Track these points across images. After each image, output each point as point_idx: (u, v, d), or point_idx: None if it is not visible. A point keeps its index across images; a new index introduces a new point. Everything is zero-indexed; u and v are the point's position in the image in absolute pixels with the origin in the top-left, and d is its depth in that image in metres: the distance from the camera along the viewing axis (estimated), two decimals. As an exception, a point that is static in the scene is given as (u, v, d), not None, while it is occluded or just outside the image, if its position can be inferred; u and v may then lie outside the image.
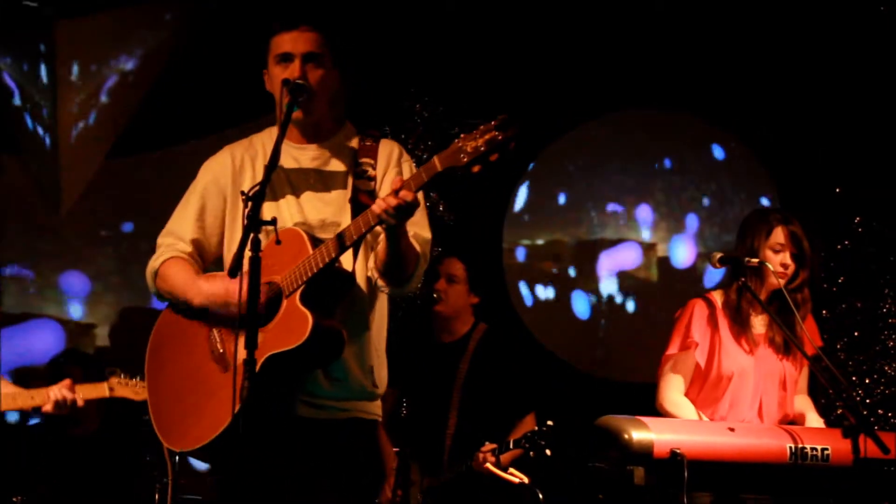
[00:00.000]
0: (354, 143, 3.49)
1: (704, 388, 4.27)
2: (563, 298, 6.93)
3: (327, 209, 3.40)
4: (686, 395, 4.24)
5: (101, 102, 6.62)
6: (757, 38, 6.31)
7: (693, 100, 6.56)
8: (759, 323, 4.30)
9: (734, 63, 6.36)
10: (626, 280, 6.90)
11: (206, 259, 3.53)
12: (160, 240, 3.56)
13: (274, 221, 3.08)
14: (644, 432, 3.65)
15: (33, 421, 5.28)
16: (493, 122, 2.97)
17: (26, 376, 6.18)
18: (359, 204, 3.31)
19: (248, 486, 3.24)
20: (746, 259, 4.19)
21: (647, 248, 6.91)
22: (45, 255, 6.56)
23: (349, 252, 3.25)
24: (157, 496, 4.99)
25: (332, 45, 3.45)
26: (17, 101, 6.53)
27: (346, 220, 3.32)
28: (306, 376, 3.27)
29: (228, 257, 3.42)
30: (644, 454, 3.63)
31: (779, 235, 4.23)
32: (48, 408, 4.43)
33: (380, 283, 3.32)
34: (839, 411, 4.93)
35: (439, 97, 6.61)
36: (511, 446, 4.85)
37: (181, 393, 3.40)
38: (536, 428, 4.81)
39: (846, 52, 6.13)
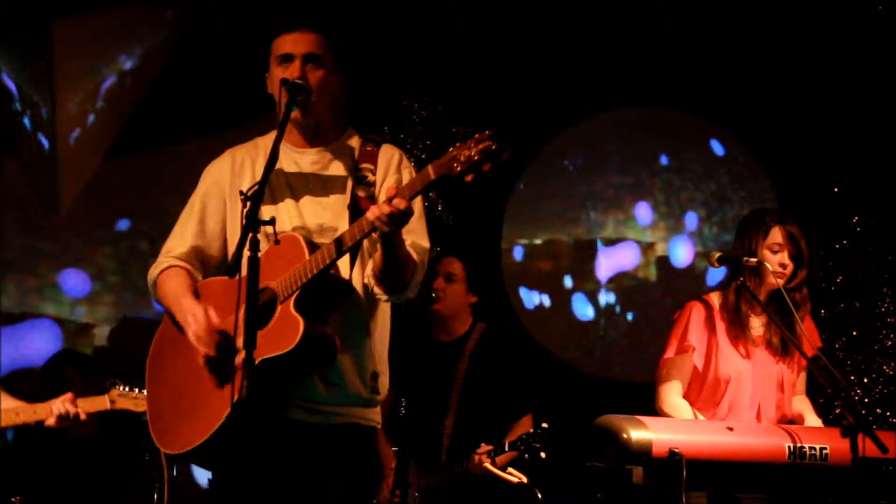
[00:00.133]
0: (355, 147, 3.48)
1: (703, 391, 4.27)
2: (561, 298, 6.94)
3: (325, 213, 3.40)
4: (685, 398, 4.25)
5: (100, 102, 6.63)
6: (756, 38, 6.31)
7: (692, 99, 6.56)
8: (756, 325, 4.30)
9: (734, 62, 6.36)
10: (625, 280, 6.90)
11: (208, 264, 3.55)
12: (163, 247, 3.58)
13: (273, 221, 3.08)
14: (643, 432, 3.65)
15: (10, 436, 5.31)
16: (487, 132, 2.98)
17: (22, 378, 6.19)
18: (357, 209, 3.31)
19: (241, 488, 3.23)
20: (745, 259, 4.19)
21: (646, 247, 6.92)
22: (43, 255, 6.56)
23: (347, 259, 3.25)
24: (155, 496, 4.99)
25: (334, 47, 3.45)
26: (15, 101, 6.53)
27: (344, 224, 3.32)
28: (298, 382, 3.27)
29: None
30: (643, 453, 3.63)
31: (776, 236, 4.23)
32: (51, 422, 4.49)
33: (376, 290, 3.32)
34: (838, 410, 4.93)
35: (438, 97, 6.61)
36: (507, 448, 4.85)
37: (176, 397, 3.42)
38: (532, 430, 4.81)
39: (845, 52, 6.13)
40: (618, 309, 6.90)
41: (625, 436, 3.64)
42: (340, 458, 3.33)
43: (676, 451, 3.62)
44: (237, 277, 3.01)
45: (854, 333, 6.16)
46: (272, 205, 3.40)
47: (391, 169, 3.43)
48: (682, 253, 6.88)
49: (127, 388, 4.62)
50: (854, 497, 3.74)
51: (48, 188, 6.61)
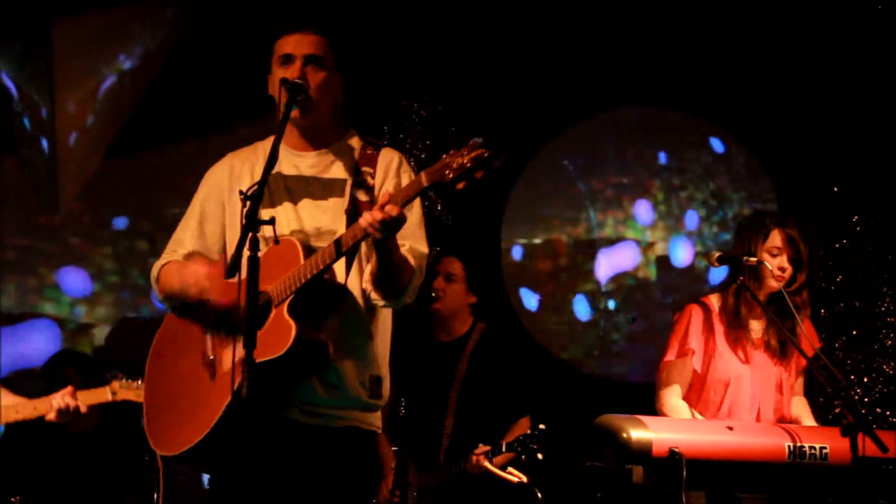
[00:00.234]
0: (356, 151, 3.48)
1: (703, 394, 4.27)
2: (561, 298, 6.93)
3: (324, 217, 3.39)
4: (685, 401, 4.25)
5: (100, 102, 6.62)
6: (756, 38, 6.31)
7: (692, 99, 6.56)
8: (756, 327, 4.30)
9: (734, 62, 6.36)
10: (625, 279, 6.90)
11: None
12: (163, 251, 3.58)
13: (272, 221, 3.08)
14: (643, 431, 3.65)
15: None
16: (480, 140, 2.98)
17: (22, 378, 6.18)
18: (355, 213, 3.30)
19: (240, 488, 3.23)
20: (745, 258, 4.19)
21: (646, 247, 6.92)
22: (43, 254, 6.56)
23: (343, 263, 3.25)
24: (155, 496, 4.99)
25: (336, 49, 3.45)
26: (15, 100, 6.53)
27: (342, 228, 3.31)
28: (292, 386, 3.26)
29: None
30: (643, 453, 3.63)
31: (775, 239, 4.22)
32: (51, 416, 4.46)
33: (373, 295, 3.31)
34: (837, 410, 4.93)
35: (438, 96, 6.61)
36: (503, 449, 4.85)
37: (172, 399, 3.43)
38: (530, 431, 4.81)
39: (845, 52, 6.13)
40: (617, 309, 6.90)
41: (625, 435, 3.65)
42: (340, 460, 3.33)
43: (676, 450, 3.62)
44: (236, 280, 3.01)
45: (854, 333, 6.16)
46: (270, 208, 3.39)
47: (390, 173, 3.42)
48: (681, 253, 6.88)
49: (128, 380, 4.58)
50: (854, 496, 3.74)
51: (48, 188, 6.60)
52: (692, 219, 6.88)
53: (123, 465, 5.50)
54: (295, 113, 3.35)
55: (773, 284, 4.17)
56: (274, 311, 3.20)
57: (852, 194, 6.21)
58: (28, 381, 5.92)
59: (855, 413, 3.70)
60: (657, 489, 3.63)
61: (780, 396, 4.28)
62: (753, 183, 6.76)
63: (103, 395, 4.57)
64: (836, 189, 6.25)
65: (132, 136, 6.55)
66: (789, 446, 3.78)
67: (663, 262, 6.90)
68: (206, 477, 5.50)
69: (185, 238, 3.52)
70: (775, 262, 4.20)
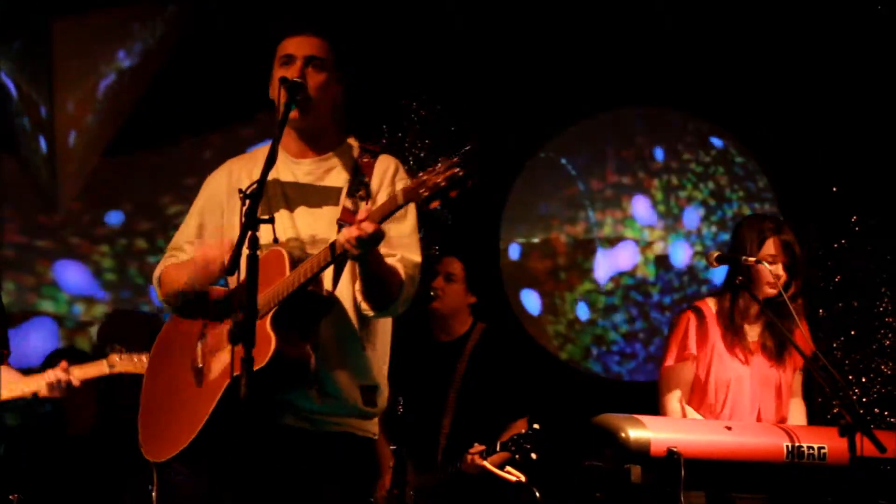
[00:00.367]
0: (353, 158, 3.47)
1: (705, 397, 4.27)
2: (560, 297, 6.94)
3: (318, 225, 3.39)
4: (688, 405, 4.25)
5: (99, 101, 6.62)
6: (756, 38, 6.31)
7: (691, 98, 6.56)
8: (751, 331, 4.30)
9: (733, 62, 6.37)
10: (624, 279, 6.90)
11: None
12: (163, 257, 3.59)
13: (272, 220, 3.08)
14: (641, 431, 3.66)
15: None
16: (455, 159, 2.98)
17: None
18: (346, 222, 3.29)
19: (234, 492, 3.22)
20: (743, 258, 4.19)
21: (645, 246, 6.92)
22: (42, 253, 6.55)
23: (331, 273, 3.24)
24: (154, 496, 4.98)
25: (337, 52, 3.45)
26: (14, 100, 6.53)
27: (334, 236, 3.31)
28: (274, 398, 3.25)
29: None
30: (641, 452, 3.63)
31: (770, 247, 4.22)
32: (43, 392, 4.39)
33: (363, 306, 3.31)
34: (836, 410, 4.94)
35: (437, 96, 6.61)
36: (498, 449, 4.85)
37: (162, 405, 3.44)
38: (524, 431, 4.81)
39: (844, 52, 6.13)
40: (616, 308, 6.90)
41: (623, 435, 3.65)
42: (335, 464, 3.33)
43: (675, 450, 3.62)
44: (234, 286, 3.01)
45: (852, 333, 6.17)
46: (268, 214, 3.39)
47: (385, 181, 3.42)
48: (680, 252, 6.89)
49: (128, 352, 4.43)
50: (852, 496, 3.74)
51: (47, 186, 6.60)
52: (691, 218, 6.88)
53: (123, 465, 5.50)
54: (294, 114, 3.34)
55: (769, 291, 4.18)
56: (258, 323, 3.20)
57: (851, 194, 6.22)
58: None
59: (853, 413, 3.70)
60: (656, 489, 3.63)
61: (780, 398, 4.29)
62: (752, 183, 6.76)
63: (100, 368, 4.45)
64: (835, 189, 6.25)
65: (131, 135, 6.54)
66: (788, 446, 3.78)
67: (662, 261, 6.90)
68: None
69: (183, 244, 3.54)
70: (770, 269, 4.20)
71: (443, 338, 5.30)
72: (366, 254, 3.12)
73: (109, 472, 5.60)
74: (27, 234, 6.54)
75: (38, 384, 4.40)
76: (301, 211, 3.42)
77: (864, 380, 6.10)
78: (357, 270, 3.30)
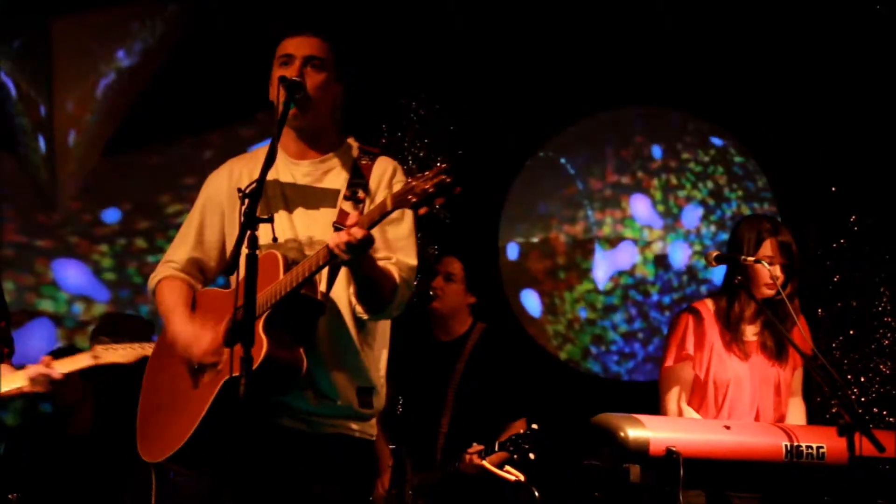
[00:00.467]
0: (352, 160, 3.47)
1: (704, 397, 4.27)
2: (559, 297, 6.94)
3: (315, 226, 3.39)
4: (688, 405, 4.26)
5: (98, 100, 6.63)
6: (755, 38, 6.31)
7: (691, 98, 6.57)
8: (750, 331, 4.31)
9: (733, 62, 6.37)
10: (623, 278, 6.91)
11: (207, 274, 3.56)
12: (163, 257, 3.60)
13: (271, 219, 3.08)
14: (640, 430, 3.66)
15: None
16: (443, 166, 2.98)
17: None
18: (342, 225, 3.29)
19: (230, 491, 3.22)
20: (742, 258, 4.20)
21: (644, 246, 6.92)
22: (41, 252, 6.56)
23: (325, 274, 3.25)
24: (153, 496, 4.99)
25: (337, 53, 3.46)
26: (13, 98, 6.53)
27: None
28: (268, 402, 3.25)
29: None
30: (640, 452, 3.63)
31: (767, 248, 4.22)
32: (26, 388, 4.36)
33: (358, 309, 3.32)
34: (834, 409, 4.94)
35: (437, 95, 6.61)
36: (496, 448, 4.86)
37: (160, 405, 3.44)
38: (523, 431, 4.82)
39: (844, 52, 6.14)
40: (616, 308, 6.90)
41: (622, 434, 3.65)
42: (331, 466, 3.33)
43: (674, 449, 3.62)
44: (232, 288, 3.00)
45: (851, 332, 6.17)
46: (267, 214, 3.39)
47: (383, 184, 3.41)
48: (679, 252, 6.89)
49: (114, 343, 4.30)
50: (851, 496, 3.74)
51: (46, 186, 6.61)
52: (690, 218, 6.89)
53: (123, 465, 5.50)
54: (293, 112, 3.34)
55: (767, 292, 4.18)
56: None
57: (850, 194, 6.22)
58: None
59: (852, 413, 3.70)
60: (654, 488, 3.63)
61: (779, 397, 4.29)
62: (752, 182, 6.77)
63: (83, 360, 4.34)
64: (834, 189, 6.26)
65: (130, 134, 6.55)
66: (786, 445, 3.78)
67: (661, 261, 6.91)
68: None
69: (184, 246, 3.54)
70: (769, 270, 4.20)
71: (442, 337, 5.30)
72: (356, 259, 3.12)
73: (109, 472, 5.59)
74: (26, 233, 6.54)
75: (22, 380, 4.37)
76: (299, 212, 3.42)
77: (862, 379, 6.10)
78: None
